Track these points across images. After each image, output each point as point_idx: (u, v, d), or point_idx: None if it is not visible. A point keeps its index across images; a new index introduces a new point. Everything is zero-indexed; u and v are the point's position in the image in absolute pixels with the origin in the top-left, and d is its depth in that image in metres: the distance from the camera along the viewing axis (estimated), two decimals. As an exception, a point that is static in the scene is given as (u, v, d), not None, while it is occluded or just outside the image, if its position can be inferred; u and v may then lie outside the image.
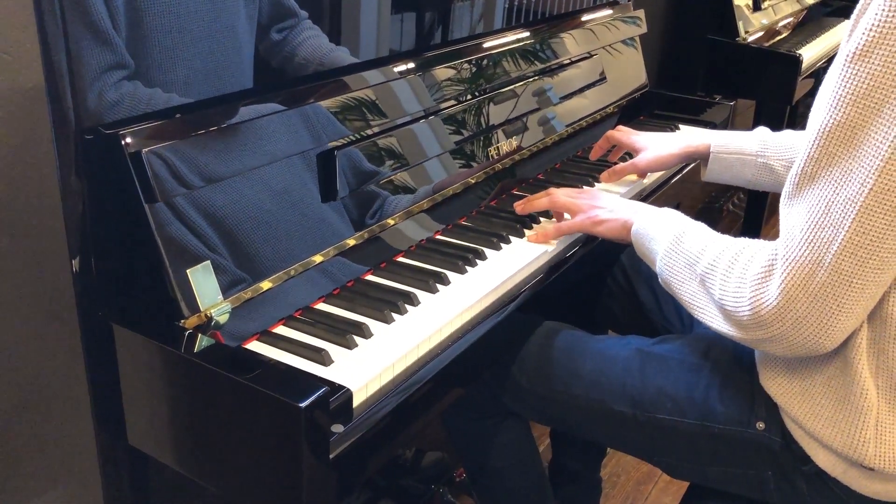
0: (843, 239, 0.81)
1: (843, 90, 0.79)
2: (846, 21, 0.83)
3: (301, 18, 1.12)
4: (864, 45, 0.78)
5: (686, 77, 2.53)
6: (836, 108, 0.80)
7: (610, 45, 1.81)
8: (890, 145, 0.77)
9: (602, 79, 1.74)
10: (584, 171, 1.52)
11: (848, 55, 0.79)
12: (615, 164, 1.48)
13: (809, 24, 3.12)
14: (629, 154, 1.49)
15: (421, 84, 1.26)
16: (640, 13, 1.88)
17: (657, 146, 1.43)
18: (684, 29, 2.50)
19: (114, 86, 0.89)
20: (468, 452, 1.32)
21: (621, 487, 1.90)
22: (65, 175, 0.86)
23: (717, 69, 2.48)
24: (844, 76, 0.79)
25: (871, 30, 0.77)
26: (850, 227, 0.80)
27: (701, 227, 1.02)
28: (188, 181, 0.89)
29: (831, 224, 0.81)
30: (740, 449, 1.04)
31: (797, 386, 0.97)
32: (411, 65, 1.26)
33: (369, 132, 1.15)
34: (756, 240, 0.93)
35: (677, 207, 1.75)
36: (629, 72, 1.87)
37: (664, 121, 1.87)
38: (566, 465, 1.54)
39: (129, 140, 0.84)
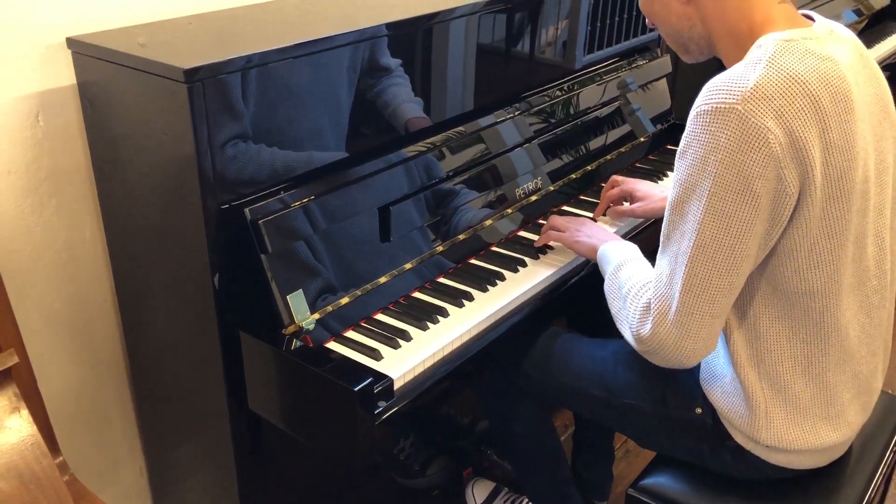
0: (682, 281, 1.14)
1: (676, 176, 1.15)
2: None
3: (393, 68, 1.50)
4: (682, 147, 1.13)
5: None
6: (673, 188, 1.16)
7: (641, 86, 2.15)
8: (701, 213, 1.11)
9: (632, 115, 2.08)
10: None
11: (678, 152, 1.15)
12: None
13: (870, 30, 3.29)
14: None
15: (469, 141, 1.66)
16: (667, 58, 2.21)
17: (650, 201, 1.71)
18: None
19: (232, 145, 1.29)
20: (495, 422, 1.73)
21: (650, 452, 2.24)
22: (210, 229, 1.29)
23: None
24: (676, 167, 1.15)
25: (685, 137, 1.13)
26: (685, 271, 1.14)
27: (638, 262, 1.34)
28: (290, 238, 1.32)
29: (676, 271, 1.15)
30: (684, 427, 1.38)
31: (717, 388, 1.31)
32: (468, 125, 1.66)
33: (422, 186, 1.55)
34: (653, 275, 1.23)
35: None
36: (657, 107, 2.20)
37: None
38: (584, 436, 1.92)
39: (249, 213, 1.28)
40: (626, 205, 1.76)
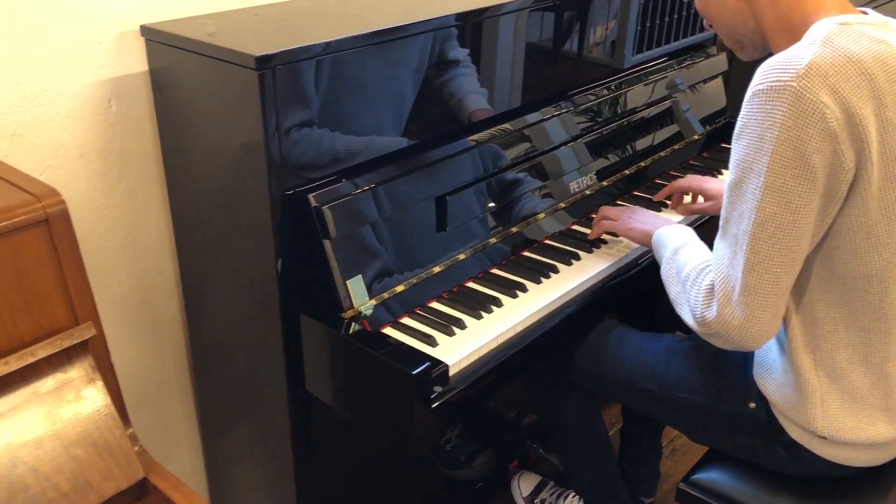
0: (744, 260, 1.14)
1: (733, 158, 1.16)
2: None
3: (461, 59, 1.53)
4: (738, 129, 1.14)
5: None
6: (731, 170, 1.17)
7: (695, 84, 2.15)
8: (760, 191, 1.11)
9: (684, 114, 2.08)
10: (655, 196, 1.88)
11: (734, 134, 1.15)
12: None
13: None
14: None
15: (523, 136, 1.68)
16: (722, 56, 2.20)
17: (720, 199, 1.66)
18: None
19: (296, 130, 1.32)
20: (544, 414, 1.74)
21: (697, 450, 2.23)
22: (274, 215, 1.33)
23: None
24: (733, 148, 1.16)
25: (741, 118, 1.13)
26: (747, 251, 1.14)
27: (695, 245, 1.34)
28: (352, 224, 1.35)
29: (738, 251, 1.15)
30: (737, 422, 1.38)
31: (772, 380, 1.31)
32: (523, 119, 1.68)
33: (479, 177, 1.57)
34: (713, 258, 1.24)
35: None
36: (710, 106, 2.19)
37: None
38: (632, 432, 1.92)
39: (313, 199, 1.31)
40: (699, 200, 1.77)
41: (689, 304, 1.25)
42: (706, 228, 1.75)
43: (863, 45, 1.11)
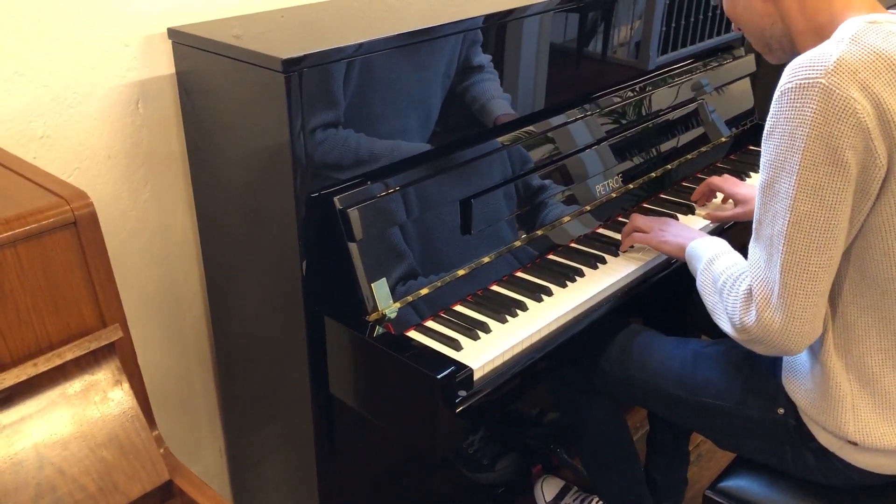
0: (781, 262, 1.13)
1: (764, 159, 1.15)
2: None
3: (485, 64, 1.53)
4: (767, 129, 1.13)
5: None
6: (762, 171, 1.15)
7: (722, 86, 2.12)
8: (794, 190, 1.10)
9: (711, 116, 2.06)
10: (683, 199, 1.86)
11: (763, 135, 1.14)
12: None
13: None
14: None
15: (548, 139, 1.67)
16: (750, 57, 2.18)
17: (751, 203, 1.68)
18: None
19: (321, 130, 1.32)
20: (569, 419, 1.73)
21: (723, 455, 2.21)
22: (300, 217, 1.32)
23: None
24: (763, 149, 1.15)
25: (770, 118, 1.12)
26: (783, 251, 1.12)
27: (730, 254, 1.33)
28: (376, 227, 1.35)
29: (774, 253, 1.14)
30: (765, 428, 1.36)
31: (800, 385, 1.29)
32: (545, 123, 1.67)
33: (504, 180, 1.56)
34: (748, 263, 1.23)
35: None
36: (738, 108, 2.17)
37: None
38: (658, 438, 1.90)
39: (338, 202, 1.31)
40: (727, 204, 1.77)
41: (727, 311, 1.23)
42: (734, 231, 1.74)
43: (892, 43, 1.10)
